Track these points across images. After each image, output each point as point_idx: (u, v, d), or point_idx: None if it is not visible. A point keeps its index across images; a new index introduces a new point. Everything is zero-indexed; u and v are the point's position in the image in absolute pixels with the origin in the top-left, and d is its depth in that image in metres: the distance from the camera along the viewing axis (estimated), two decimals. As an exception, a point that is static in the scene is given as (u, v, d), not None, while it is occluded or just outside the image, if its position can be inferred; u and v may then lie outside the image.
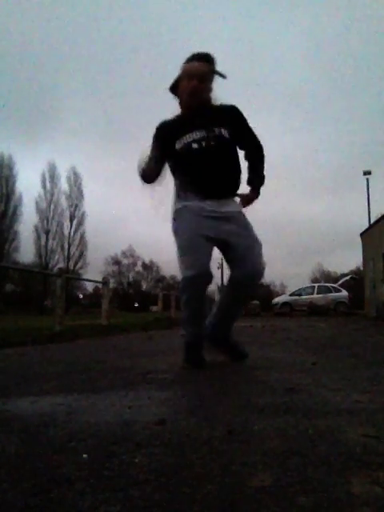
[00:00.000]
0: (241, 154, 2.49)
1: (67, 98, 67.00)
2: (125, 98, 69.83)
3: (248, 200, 2.48)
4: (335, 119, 77.50)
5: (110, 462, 0.91)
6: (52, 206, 42.30)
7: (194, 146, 2.32)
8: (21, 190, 41.25)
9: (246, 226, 2.40)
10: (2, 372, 2.44)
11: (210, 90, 2.38)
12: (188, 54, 2.37)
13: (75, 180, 43.51)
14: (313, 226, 70.39)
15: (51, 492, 0.77)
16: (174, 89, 2.41)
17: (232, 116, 2.41)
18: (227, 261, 2.43)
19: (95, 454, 0.96)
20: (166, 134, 2.39)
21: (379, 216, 15.02)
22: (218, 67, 2.39)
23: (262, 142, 2.49)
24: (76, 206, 43.20)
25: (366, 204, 19.24)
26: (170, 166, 2.45)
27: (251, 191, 2.49)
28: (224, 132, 2.35)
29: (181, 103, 2.42)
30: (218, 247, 2.40)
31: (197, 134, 2.33)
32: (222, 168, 2.34)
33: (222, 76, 2.38)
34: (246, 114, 2.45)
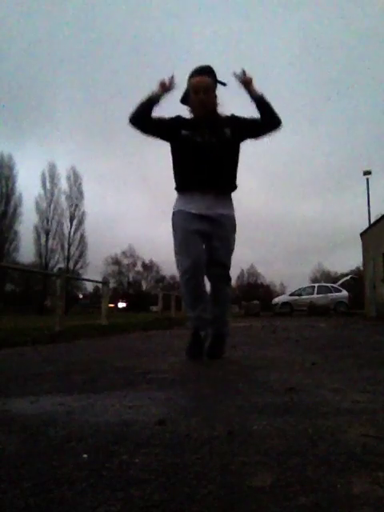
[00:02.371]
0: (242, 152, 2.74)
1: (67, 98, 67.10)
2: (125, 97, 69.89)
3: (244, 80, 2.63)
4: (335, 119, 77.55)
5: (110, 462, 0.91)
6: (52, 206, 42.28)
7: (198, 139, 2.60)
8: (21, 189, 41.26)
9: (227, 232, 2.69)
10: (2, 372, 2.44)
11: (215, 98, 2.68)
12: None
13: (75, 180, 43.50)
14: (313, 225, 70.49)
15: (51, 492, 0.77)
16: (184, 100, 2.71)
17: (232, 119, 2.69)
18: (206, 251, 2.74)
19: (95, 454, 0.96)
20: (176, 121, 2.68)
21: (379, 216, 15.01)
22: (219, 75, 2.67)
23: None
24: (76, 206, 43.19)
25: (366, 204, 19.24)
26: (171, 149, 2.72)
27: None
28: (226, 131, 2.63)
29: (191, 112, 2.71)
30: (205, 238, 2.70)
31: (203, 131, 2.62)
32: (220, 163, 2.61)
33: (223, 84, 2.70)
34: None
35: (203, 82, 2.59)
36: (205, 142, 2.58)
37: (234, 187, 2.73)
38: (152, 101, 2.60)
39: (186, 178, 2.64)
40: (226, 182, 2.67)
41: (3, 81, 54.86)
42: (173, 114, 2.70)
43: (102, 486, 0.79)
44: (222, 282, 2.76)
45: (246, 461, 0.91)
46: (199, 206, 2.60)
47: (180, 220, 2.64)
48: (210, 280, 2.75)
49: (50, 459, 0.94)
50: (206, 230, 2.62)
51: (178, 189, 2.70)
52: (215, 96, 2.67)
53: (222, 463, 0.90)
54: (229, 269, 2.76)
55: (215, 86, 2.65)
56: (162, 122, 2.66)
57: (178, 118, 2.70)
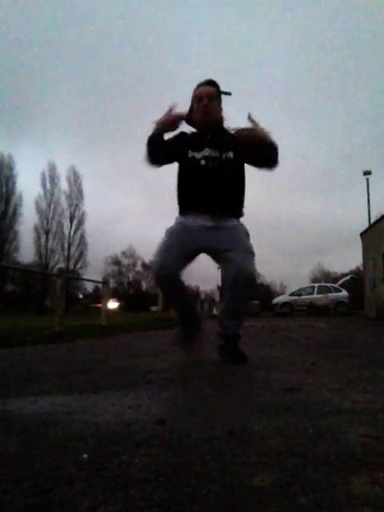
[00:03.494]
0: (248, 174, 2.64)
1: (68, 98, 67.06)
2: (125, 97, 69.89)
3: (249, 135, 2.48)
4: (335, 119, 77.51)
5: (110, 462, 0.91)
6: (52, 206, 42.33)
7: (202, 162, 2.52)
8: (21, 189, 41.05)
9: (239, 237, 2.51)
10: (2, 372, 2.44)
11: (219, 108, 2.62)
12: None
13: (75, 180, 43.56)
14: (313, 225, 70.38)
15: (51, 492, 0.77)
16: (189, 120, 2.63)
17: (237, 139, 2.53)
18: (221, 266, 2.61)
19: (95, 454, 0.96)
20: (181, 140, 2.61)
21: (379, 216, 15.02)
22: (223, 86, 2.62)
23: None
24: (76, 205, 43.24)
25: (366, 204, 19.24)
26: (178, 171, 2.64)
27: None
28: (230, 154, 2.54)
29: (195, 125, 2.64)
30: (211, 256, 2.59)
31: (207, 152, 2.53)
32: (223, 188, 2.51)
33: (228, 93, 2.64)
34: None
35: (206, 91, 2.55)
36: (208, 166, 2.50)
37: (239, 214, 2.59)
38: (158, 139, 2.54)
39: (187, 202, 2.56)
40: (227, 208, 2.53)
41: (3, 81, 54.89)
42: (177, 131, 2.63)
43: (102, 486, 0.79)
44: (241, 285, 2.44)
45: (246, 461, 0.91)
46: (199, 221, 2.49)
47: (175, 227, 2.55)
48: (226, 288, 2.52)
49: (49, 459, 0.94)
50: (206, 244, 2.48)
51: (179, 211, 2.60)
52: (220, 109, 2.62)
53: (221, 463, 0.90)
54: (250, 268, 2.46)
55: (219, 98, 2.61)
56: (169, 147, 2.60)
57: (183, 136, 2.63)
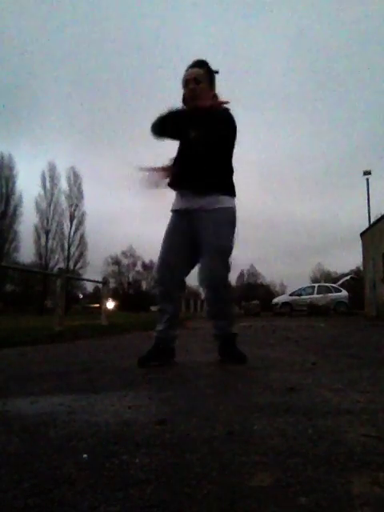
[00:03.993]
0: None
1: (67, 98, 67.07)
2: (125, 97, 69.88)
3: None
4: (335, 119, 77.52)
5: (110, 462, 0.91)
6: (52, 206, 42.27)
7: (187, 141, 2.52)
8: (21, 189, 41.06)
9: (216, 230, 2.41)
10: (2, 372, 2.44)
11: (208, 89, 2.53)
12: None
13: (75, 180, 43.51)
14: (313, 225, 70.43)
15: (51, 492, 0.77)
16: (184, 101, 2.56)
17: (219, 119, 2.49)
18: (198, 255, 2.52)
19: (95, 454, 0.96)
20: (180, 119, 2.55)
21: (379, 216, 15.02)
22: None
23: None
24: (76, 205, 43.20)
25: (366, 204, 19.24)
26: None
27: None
28: (212, 135, 2.47)
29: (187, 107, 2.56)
30: (191, 241, 2.49)
31: (191, 133, 2.50)
32: (201, 166, 2.46)
33: (215, 72, 2.57)
34: (238, 119, 2.53)
35: (193, 73, 2.50)
36: (190, 144, 2.50)
37: (224, 188, 2.48)
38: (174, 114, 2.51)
39: (175, 179, 2.55)
40: (209, 182, 2.44)
41: (3, 81, 54.87)
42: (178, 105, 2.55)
43: (102, 486, 0.79)
44: (211, 289, 2.48)
45: (245, 461, 0.91)
46: (179, 203, 2.52)
47: (169, 220, 2.58)
48: (206, 294, 2.54)
49: (49, 459, 0.94)
50: (188, 228, 2.47)
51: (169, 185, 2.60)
52: (211, 87, 2.53)
53: (221, 463, 0.90)
54: (217, 271, 2.43)
55: (210, 77, 2.54)
56: (174, 122, 2.56)
57: (178, 113, 2.55)
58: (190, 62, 2.60)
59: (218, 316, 2.56)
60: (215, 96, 2.54)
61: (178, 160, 2.57)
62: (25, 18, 63.22)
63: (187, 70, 2.55)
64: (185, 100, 2.57)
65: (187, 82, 2.51)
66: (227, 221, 2.46)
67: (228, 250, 2.48)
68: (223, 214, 2.44)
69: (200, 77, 2.50)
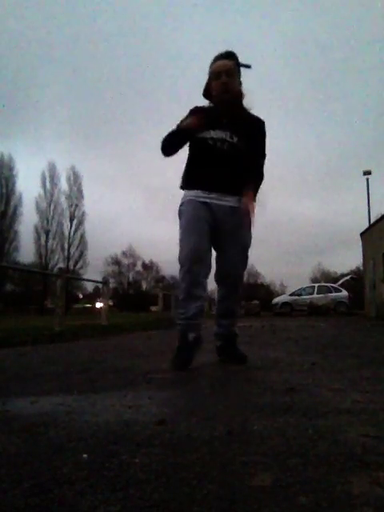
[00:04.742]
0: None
1: (67, 98, 67.06)
2: (125, 97, 69.91)
3: (246, 204, 2.38)
4: (335, 119, 77.50)
5: (110, 462, 0.91)
6: (52, 206, 42.22)
7: (210, 142, 2.43)
8: (21, 189, 41.07)
9: (241, 229, 2.41)
10: (2, 372, 2.44)
11: (239, 83, 2.50)
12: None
13: (75, 180, 43.46)
14: (313, 225, 70.37)
15: (51, 492, 0.77)
16: (206, 94, 2.54)
17: (254, 130, 2.50)
18: (217, 255, 2.51)
19: (95, 454, 0.96)
20: (208, 114, 2.46)
21: (379, 216, 15.02)
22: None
23: (264, 171, 2.53)
24: (76, 205, 43.15)
25: (366, 204, 19.24)
26: (189, 147, 2.54)
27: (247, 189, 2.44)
28: (241, 143, 2.45)
29: (212, 100, 2.52)
30: (212, 232, 2.43)
31: (218, 134, 2.44)
32: (229, 169, 2.42)
33: (247, 66, 2.51)
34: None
35: (225, 66, 2.42)
36: (216, 149, 2.42)
37: (242, 187, 2.41)
38: (183, 136, 2.46)
39: (193, 179, 2.47)
40: (233, 186, 2.42)
41: (2, 81, 54.86)
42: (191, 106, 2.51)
43: (102, 486, 0.79)
44: (229, 284, 2.51)
45: (245, 461, 0.91)
46: (200, 195, 2.41)
47: (187, 206, 2.43)
48: (216, 282, 2.53)
49: (49, 459, 0.94)
50: (210, 218, 2.39)
51: (183, 187, 2.52)
52: (240, 83, 2.49)
53: (221, 463, 0.90)
54: (240, 268, 2.49)
55: (239, 72, 2.48)
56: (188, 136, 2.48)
57: (199, 113, 2.47)
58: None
59: (225, 314, 2.56)
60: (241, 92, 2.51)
61: (198, 160, 2.48)
62: (25, 18, 63.26)
63: (215, 61, 2.46)
64: (208, 91, 2.51)
65: (219, 75, 2.42)
66: (248, 220, 2.44)
67: (248, 248, 2.52)
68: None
69: (231, 70, 2.44)
